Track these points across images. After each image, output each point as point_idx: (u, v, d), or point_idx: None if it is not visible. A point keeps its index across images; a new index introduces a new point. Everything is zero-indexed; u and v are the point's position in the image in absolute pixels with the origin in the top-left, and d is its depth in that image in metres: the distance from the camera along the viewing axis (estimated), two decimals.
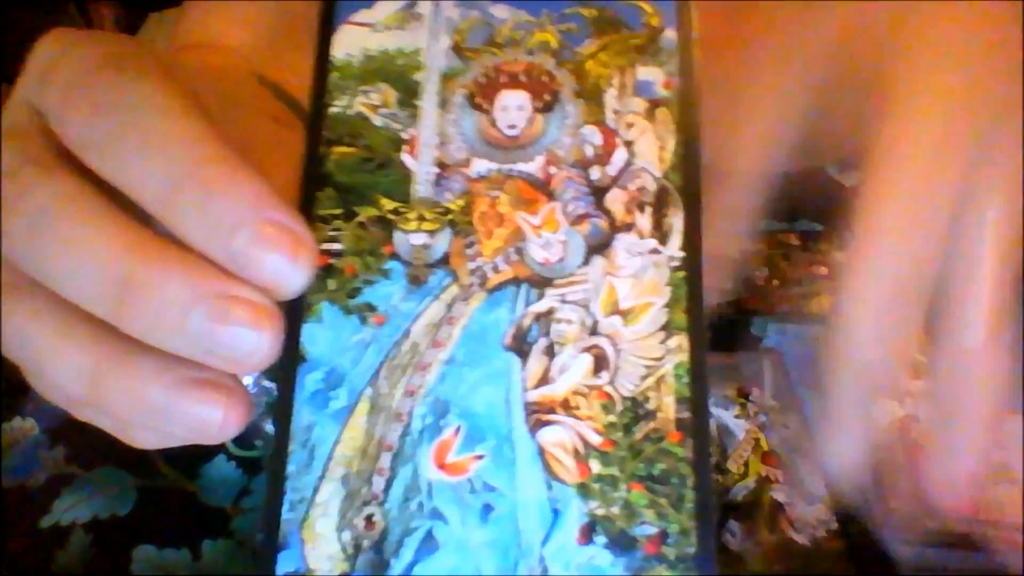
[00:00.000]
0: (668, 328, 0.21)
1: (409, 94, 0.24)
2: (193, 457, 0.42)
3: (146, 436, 0.23)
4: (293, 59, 0.33)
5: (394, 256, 0.22)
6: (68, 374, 0.21)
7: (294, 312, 0.22)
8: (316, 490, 0.21)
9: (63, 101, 0.21)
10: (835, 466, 0.23)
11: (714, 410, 0.35)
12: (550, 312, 0.21)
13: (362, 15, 0.24)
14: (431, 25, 0.24)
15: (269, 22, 0.37)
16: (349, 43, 0.24)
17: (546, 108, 0.23)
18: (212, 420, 0.21)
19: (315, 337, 0.22)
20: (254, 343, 0.21)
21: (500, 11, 0.24)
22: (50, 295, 0.21)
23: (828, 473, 0.24)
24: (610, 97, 0.23)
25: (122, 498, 0.42)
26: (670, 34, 0.23)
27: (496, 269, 0.22)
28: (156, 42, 0.93)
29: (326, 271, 0.22)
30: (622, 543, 0.19)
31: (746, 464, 0.34)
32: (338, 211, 0.23)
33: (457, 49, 0.24)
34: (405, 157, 0.23)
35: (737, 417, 0.37)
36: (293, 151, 0.24)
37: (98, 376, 0.21)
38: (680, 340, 0.21)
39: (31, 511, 0.42)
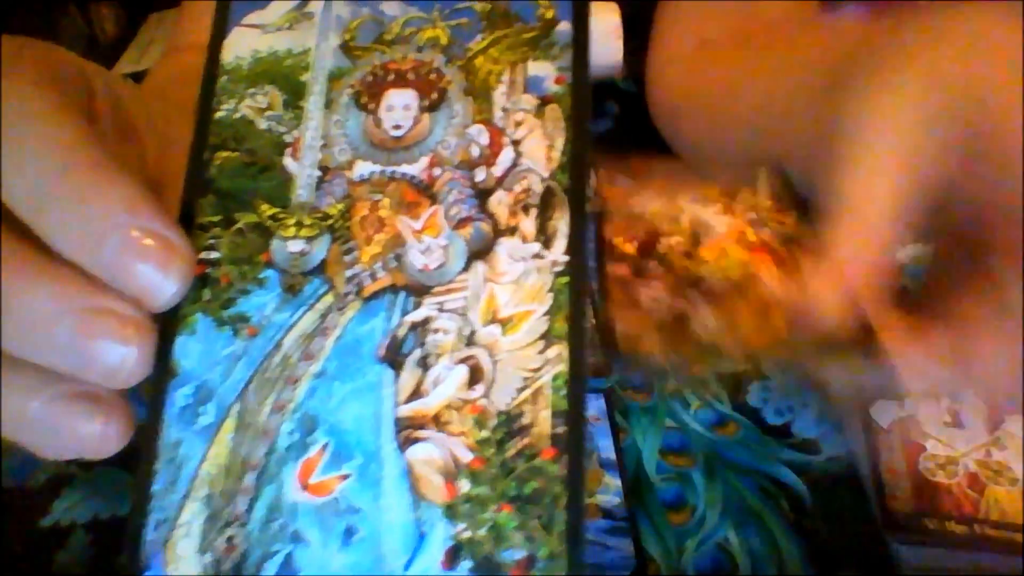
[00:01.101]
0: (548, 337, 0.20)
1: (296, 96, 0.23)
2: None
3: (44, 450, 0.23)
4: None
5: (270, 264, 0.21)
6: None
7: (167, 324, 0.21)
8: (180, 510, 0.20)
9: None
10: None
11: (689, 206, 0.28)
12: (426, 322, 0.20)
13: (254, 17, 0.24)
14: (321, 24, 0.23)
15: None
16: (240, 45, 0.23)
17: (433, 107, 0.22)
18: (91, 434, 0.21)
19: (187, 350, 0.21)
20: (122, 357, 0.20)
21: (391, 8, 0.23)
22: None
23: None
24: (499, 94, 0.22)
25: (122, 498, 0.42)
26: (564, 27, 0.22)
27: (374, 276, 0.21)
28: (156, 43, 0.94)
29: (202, 281, 0.21)
30: (488, 568, 0.18)
31: (725, 254, 0.27)
32: (218, 218, 0.22)
33: (346, 48, 0.23)
34: (287, 161, 0.22)
35: (719, 213, 0.29)
36: None
37: None
38: (560, 349, 0.19)
39: (31, 511, 0.43)
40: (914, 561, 0.39)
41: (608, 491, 0.38)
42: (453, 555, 0.18)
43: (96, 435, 0.21)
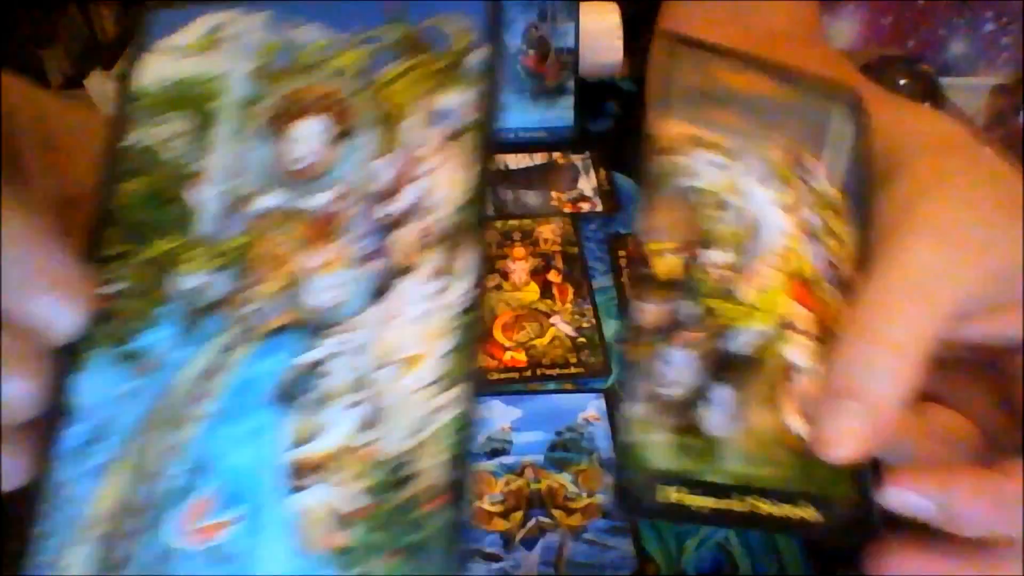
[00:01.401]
0: (444, 380, 0.19)
1: (205, 124, 0.22)
2: None
3: None
4: None
5: (170, 299, 0.21)
6: None
7: (64, 360, 0.20)
8: (65, 554, 0.19)
9: None
10: None
11: (749, 183, 0.24)
12: (322, 362, 0.20)
13: (171, 40, 0.23)
14: (234, 50, 0.23)
15: None
16: (153, 72, 0.23)
17: (340, 138, 0.21)
18: None
19: (83, 387, 0.20)
20: (14, 393, 0.19)
21: (307, 32, 0.22)
22: None
23: None
24: (408, 126, 0.21)
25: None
26: (475, 57, 0.21)
27: (271, 315, 0.20)
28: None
29: (103, 316, 0.21)
30: None
31: (766, 293, 0.24)
32: (121, 250, 0.21)
33: (258, 75, 0.22)
34: (191, 192, 0.21)
35: (778, 206, 0.25)
36: None
37: None
38: (455, 394, 0.19)
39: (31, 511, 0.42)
40: None
41: (608, 491, 0.37)
42: None
43: None
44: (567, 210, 0.52)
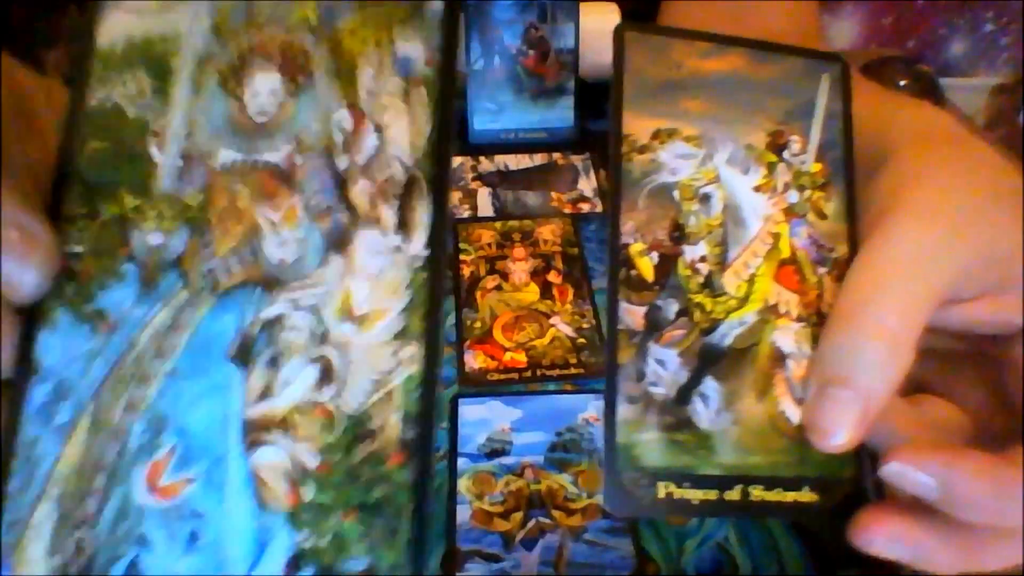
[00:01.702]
0: (403, 336, 0.19)
1: (165, 81, 0.22)
2: None
3: None
4: None
5: (130, 258, 0.20)
6: None
7: (29, 319, 0.20)
8: (32, 511, 0.19)
9: None
10: None
11: (726, 171, 0.24)
12: (280, 319, 0.19)
13: None
14: (193, 6, 0.22)
15: None
16: (115, 30, 0.22)
17: (298, 90, 0.21)
18: None
19: (48, 347, 0.20)
20: None
21: None
22: None
23: None
24: (366, 76, 0.20)
25: None
26: (436, 5, 0.21)
27: (228, 270, 0.20)
28: None
29: (66, 275, 0.21)
30: None
31: (750, 281, 0.24)
32: (84, 210, 0.21)
33: (216, 30, 0.22)
34: (152, 150, 0.21)
35: (757, 190, 0.25)
36: None
37: None
38: (414, 350, 0.18)
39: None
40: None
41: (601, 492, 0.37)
42: (295, 564, 0.18)
43: None
44: (567, 211, 0.51)
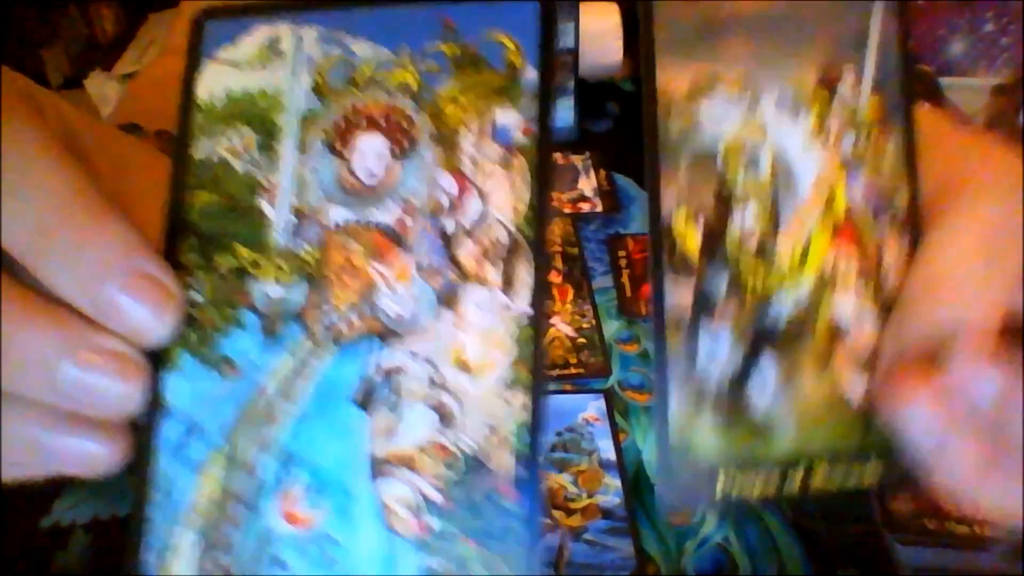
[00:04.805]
0: (512, 386, 0.21)
1: (269, 137, 0.23)
2: None
3: (40, 469, 0.24)
4: None
5: (251, 308, 0.22)
6: None
7: (156, 362, 0.22)
8: (174, 536, 0.21)
9: None
10: None
11: (774, 121, 0.22)
12: (399, 368, 0.22)
13: (227, 52, 0.24)
14: (292, 64, 0.24)
15: None
16: (214, 82, 0.24)
17: (403, 154, 0.23)
18: (91, 453, 0.22)
19: (176, 389, 0.22)
20: (120, 393, 0.21)
21: (361, 48, 0.23)
22: None
23: None
24: (467, 142, 0.22)
25: (121, 499, 0.43)
26: (532, 75, 0.23)
27: (348, 323, 0.22)
28: (155, 43, 0.91)
29: (186, 322, 0.22)
30: None
31: (805, 249, 0.22)
32: (199, 260, 0.23)
33: (318, 89, 0.23)
34: (264, 204, 0.23)
35: (809, 138, 0.23)
36: None
37: None
38: (523, 399, 0.21)
39: (31, 511, 0.44)
40: (914, 561, 0.39)
41: (608, 491, 0.38)
42: None
43: (95, 453, 0.22)
44: (567, 210, 0.52)
